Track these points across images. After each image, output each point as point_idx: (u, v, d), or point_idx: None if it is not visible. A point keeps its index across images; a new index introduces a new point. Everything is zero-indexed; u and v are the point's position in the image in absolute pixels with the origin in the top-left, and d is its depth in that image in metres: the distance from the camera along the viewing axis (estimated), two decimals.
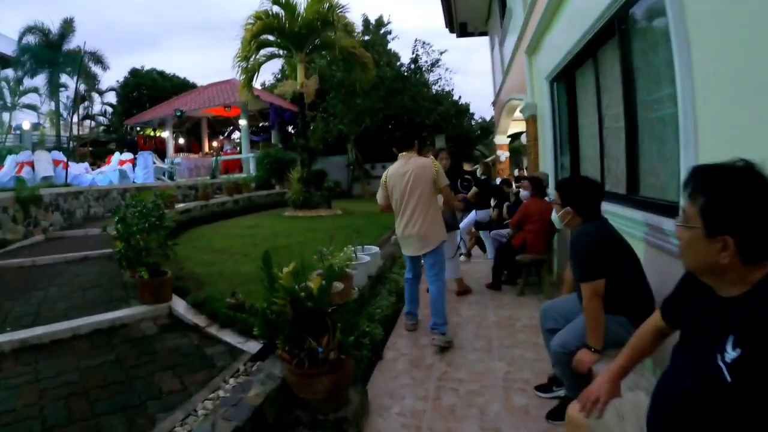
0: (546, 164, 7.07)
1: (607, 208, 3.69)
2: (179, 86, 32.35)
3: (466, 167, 8.83)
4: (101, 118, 32.07)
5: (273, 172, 17.45)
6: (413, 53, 20.83)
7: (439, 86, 23.09)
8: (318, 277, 3.23)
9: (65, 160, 13.02)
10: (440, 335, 4.32)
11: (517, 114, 13.92)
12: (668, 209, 3.06)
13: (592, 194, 3.02)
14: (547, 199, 5.93)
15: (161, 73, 34.36)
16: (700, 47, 2.52)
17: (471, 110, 25.86)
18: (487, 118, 30.68)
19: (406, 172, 4.39)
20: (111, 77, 34.95)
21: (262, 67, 14.24)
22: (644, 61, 3.66)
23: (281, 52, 14.06)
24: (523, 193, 6.11)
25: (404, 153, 4.51)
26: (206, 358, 3.70)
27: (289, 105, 20.41)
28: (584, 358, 2.68)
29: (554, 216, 3.24)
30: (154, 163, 17.82)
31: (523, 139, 11.52)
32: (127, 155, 17.17)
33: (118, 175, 15.18)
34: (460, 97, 25.73)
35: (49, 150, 14.22)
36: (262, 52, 14.02)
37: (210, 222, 11.04)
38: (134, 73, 33.15)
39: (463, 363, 4.07)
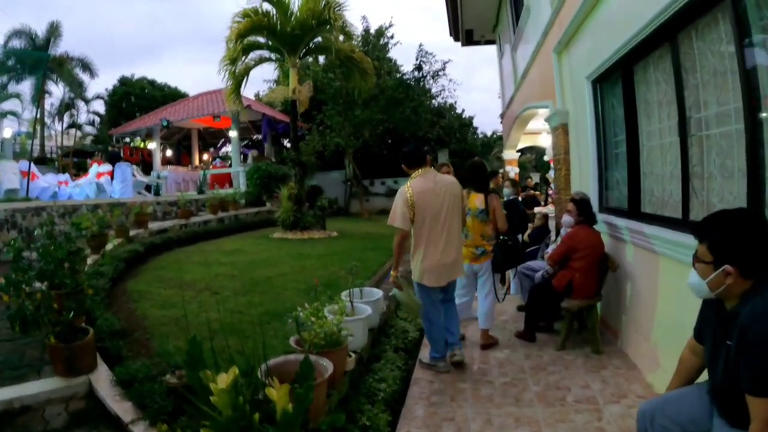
0: (584, 182, 5.83)
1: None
2: (170, 96, 31.01)
3: (493, 184, 7.67)
4: (88, 128, 30.78)
5: (264, 188, 16.17)
6: (417, 59, 19.64)
7: (442, 98, 21.96)
8: (284, 386, 1.90)
9: (34, 170, 11.78)
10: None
11: (531, 126, 12.80)
12: None
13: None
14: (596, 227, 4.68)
15: (152, 82, 33.30)
16: None
17: (474, 124, 24.77)
18: (488, 134, 29.84)
19: (440, 192, 3.90)
20: (102, 86, 33.60)
21: (256, 76, 13.12)
22: None
23: (272, 55, 12.89)
24: (566, 219, 4.83)
25: (420, 169, 3.99)
26: None
27: (283, 116, 19.21)
28: None
29: (693, 280, 1.99)
30: (134, 175, 16.61)
31: (548, 153, 10.29)
32: (106, 167, 15.92)
33: (95, 188, 13.93)
34: (463, 111, 24.60)
35: (36, 161, 12.96)
36: (252, 55, 12.91)
37: (189, 244, 9.90)
38: (123, 81, 32.09)
39: None
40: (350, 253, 8.41)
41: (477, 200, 4.65)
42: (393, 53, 20.55)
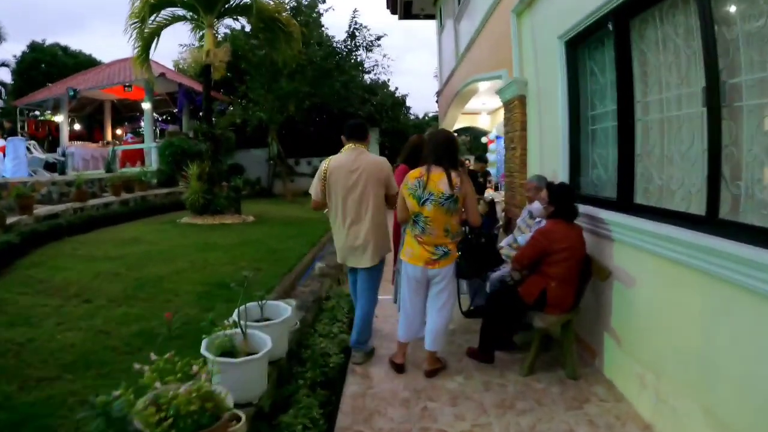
0: (546, 164, 4.89)
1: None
2: (85, 65, 27.21)
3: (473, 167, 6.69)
4: None
5: (177, 166, 14.35)
6: (350, 27, 18.02)
7: (375, 74, 20.67)
8: None
9: None
10: (362, 353, 3.93)
11: (469, 106, 11.94)
12: None
13: None
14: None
15: (64, 49, 29.62)
16: None
17: (408, 104, 23.76)
18: (420, 116, 28.98)
19: (356, 170, 3.72)
20: (13, 54, 29.36)
21: (170, 42, 11.26)
22: None
23: (187, 13, 11.15)
24: (535, 207, 3.82)
25: (353, 145, 3.83)
26: None
27: (202, 88, 17.20)
28: None
29: None
30: (31, 152, 14.39)
31: (496, 133, 9.57)
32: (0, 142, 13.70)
33: None
34: (396, 89, 23.49)
35: None
36: (164, 13, 11.09)
37: (83, 231, 8.38)
38: (34, 47, 28.32)
39: None
40: (266, 243, 7.13)
41: (441, 182, 3.41)
42: (325, 22, 18.83)
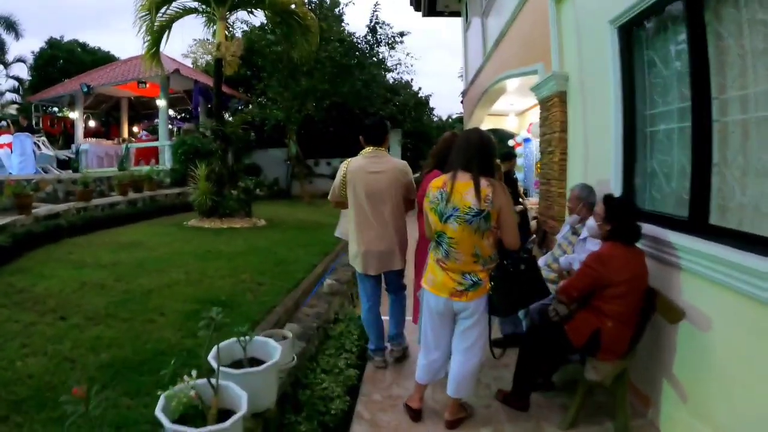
0: (592, 171, 4.21)
1: None
2: (103, 61, 26.79)
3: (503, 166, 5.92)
4: (10, 95, 26.93)
5: (190, 165, 13.91)
6: (371, 21, 17.27)
7: (398, 73, 19.93)
8: None
9: None
10: (401, 348, 3.97)
11: (496, 107, 11.26)
12: None
13: None
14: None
15: (83, 45, 29.49)
16: None
17: (431, 104, 23.06)
18: (443, 117, 28.20)
19: (379, 172, 3.58)
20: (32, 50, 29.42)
21: (188, 36, 10.80)
22: None
23: (198, 5, 10.65)
24: (590, 225, 3.14)
25: (372, 148, 3.67)
26: None
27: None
28: None
29: None
30: (39, 148, 14.10)
31: (530, 134, 8.75)
32: (6, 138, 13.39)
33: None
34: (420, 89, 22.76)
35: None
36: (174, 5, 10.60)
37: (85, 232, 7.90)
38: (52, 43, 28.19)
39: None
40: (274, 251, 6.54)
41: (467, 194, 2.69)
42: (346, 20, 18.17)
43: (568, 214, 4.13)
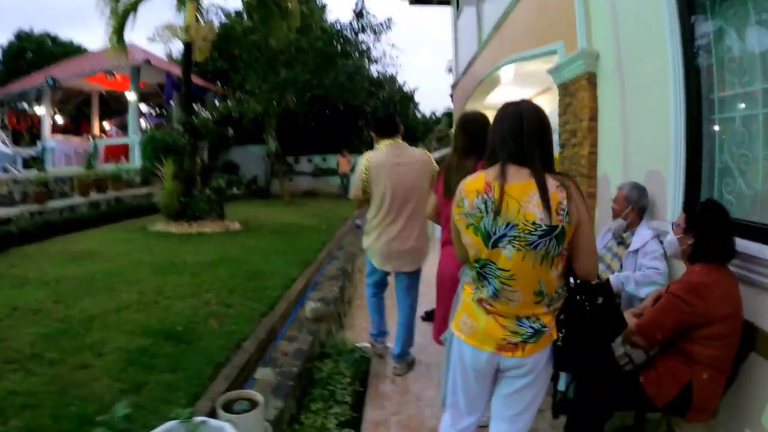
0: (636, 168, 3.44)
1: None
2: (74, 54, 25.84)
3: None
4: None
5: (160, 163, 12.94)
6: (357, 6, 16.25)
7: (383, 66, 19.10)
8: None
9: None
10: (404, 365, 3.71)
11: (491, 100, 10.49)
12: None
13: None
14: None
15: (53, 38, 28.07)
16: None
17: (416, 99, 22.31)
18: (427, 114, 27.44)
19: (401, 164, 3.46)
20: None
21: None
22: None
23: None
24: (670, 241, 2.32)
25: (389, 140, 3.56)
26: None
27: (195, 78, 15.66)
28: None
29: None
30: None
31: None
32: None
33: None
34: (405, 83, 22.02)
35: None
36: None
37: (39, 239, 7.10)
38: (20, 36, 26.79)
39: None
40: (247, 261, 5.65)
41: (529, 201, 1.69)
42: (329, 8, 17.31)
43: (604, 217, 3.36)
